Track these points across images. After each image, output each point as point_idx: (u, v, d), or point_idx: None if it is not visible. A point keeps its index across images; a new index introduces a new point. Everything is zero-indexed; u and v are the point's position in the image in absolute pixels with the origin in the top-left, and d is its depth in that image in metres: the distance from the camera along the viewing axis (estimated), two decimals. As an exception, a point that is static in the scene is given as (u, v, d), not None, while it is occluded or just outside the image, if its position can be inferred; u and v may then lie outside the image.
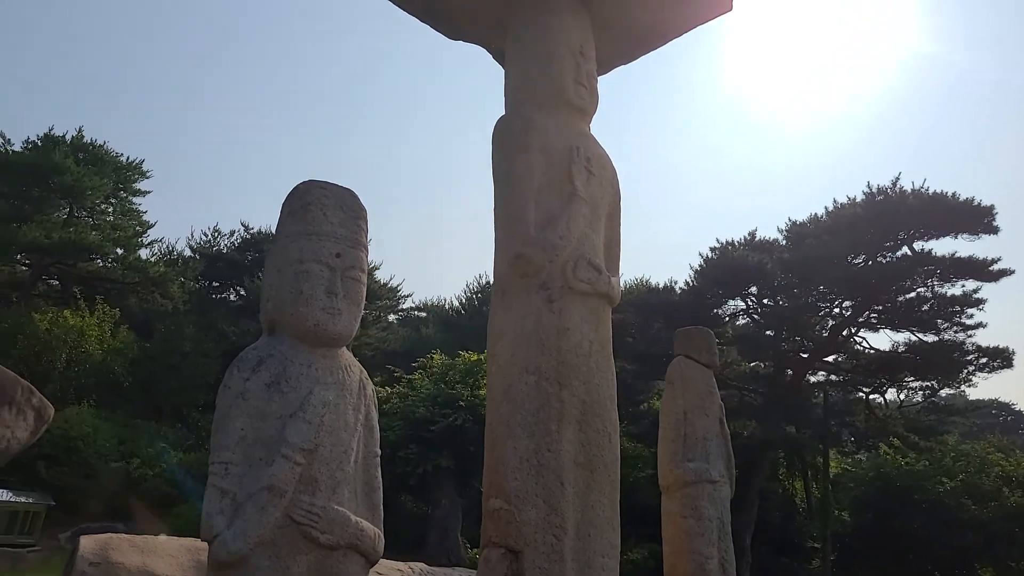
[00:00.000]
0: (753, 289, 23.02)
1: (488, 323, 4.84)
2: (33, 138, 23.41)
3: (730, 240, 23.93)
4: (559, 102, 5.09)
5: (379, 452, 3.80)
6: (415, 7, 5.89)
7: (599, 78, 6.76)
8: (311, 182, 3.84)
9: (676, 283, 23.36)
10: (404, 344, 28.89)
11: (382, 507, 3.73)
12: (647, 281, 24.62)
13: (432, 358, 19.74)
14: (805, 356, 22.42)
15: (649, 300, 22.85)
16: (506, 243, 4.72)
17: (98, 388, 17.21)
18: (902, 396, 25.44)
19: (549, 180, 4.80)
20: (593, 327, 4.73)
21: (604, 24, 5.89)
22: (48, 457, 14.22)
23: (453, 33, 6.16)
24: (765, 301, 23.12)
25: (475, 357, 19.31)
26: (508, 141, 4.89)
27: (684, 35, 6.21)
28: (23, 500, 12.86)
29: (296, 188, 3.83)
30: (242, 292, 29.25)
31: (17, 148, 23.24)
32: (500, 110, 5.33)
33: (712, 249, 23.26)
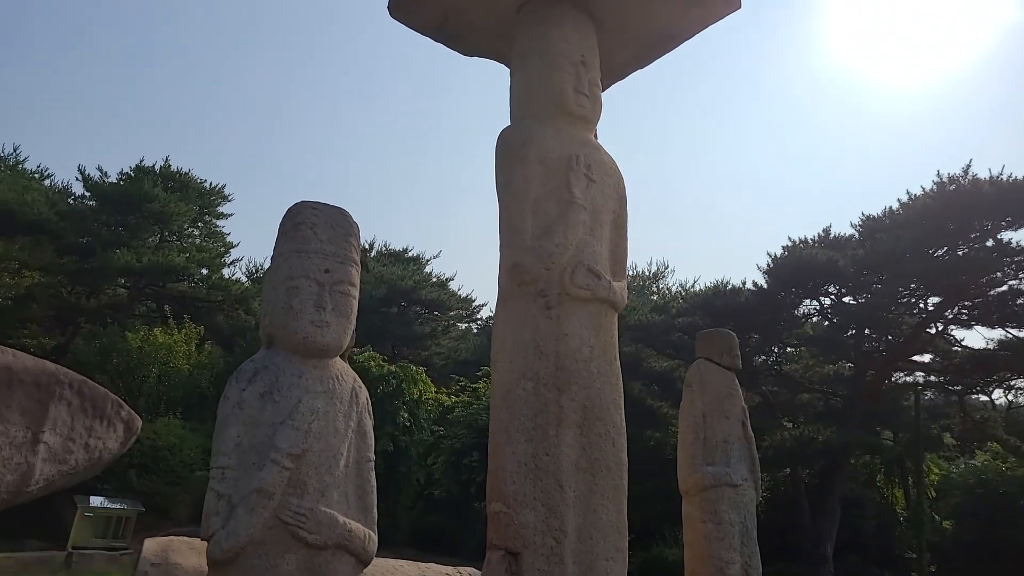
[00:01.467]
0: (829, 288, 22.14)
1: (492, 332, 4.97)
2: (127, 170, 25.26)
3: (803, 238, 23.14)
4: (559, 112, 5.18)
5: (373, 457, 3.97)
6: (428, 28, 6.11)
7: (616, 84, 6.87)
8: (303, 203, 4.08)
9: (746, 284, 22.69)
10: (476, 353, 29.34)
11: (375, 510, 3.89)
12: (725, 283, 24.04)
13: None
14: (887, 356, 21.36)
15: (715, 302, 22.29)
16: (504, 253, 4.85)
17: (185, 401, 18.37)
18: (1010, 397, 23.81)
19: (547, 189, 4.89)
20: (594, 332, 4.78)
21: (612, 31, 5.95)
22: (139, 466, 15.29)
23: (467, 50, 6.35)
24: (845, 300, 22.20)
25: None
26: (507, 153, 5.01)
27: (696, 36, 6.22)
28: (116, 506, 13.88)
29: (289, 209, 4.07)
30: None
31: (113, 179, 25.10)
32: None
33: (784, 248, 22.52)
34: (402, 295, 25.81)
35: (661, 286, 39.23)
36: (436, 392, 19.28)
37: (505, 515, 4.35)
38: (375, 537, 3.81)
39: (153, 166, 25.47)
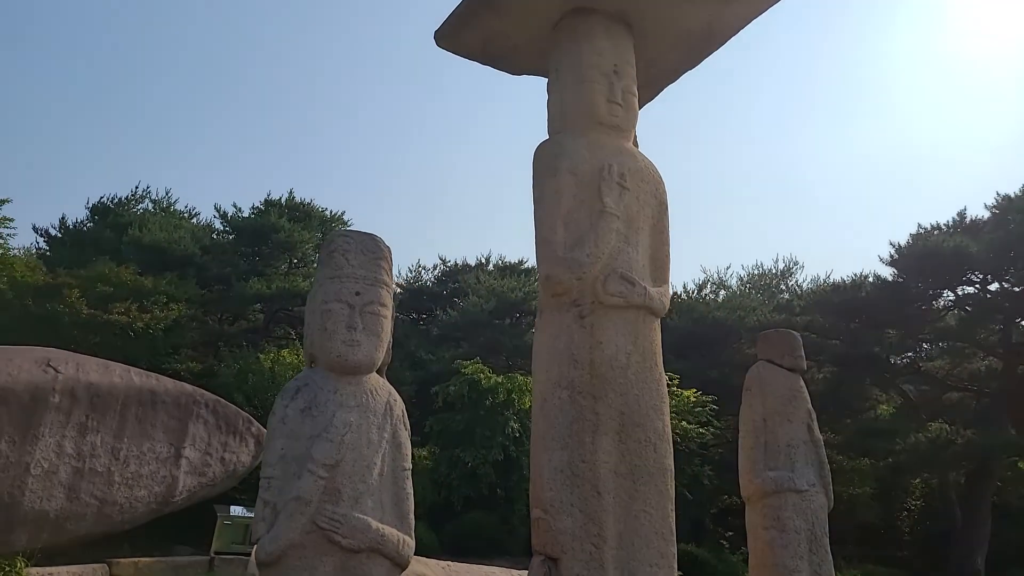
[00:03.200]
0: (970, 276, 20.32)
1: (533, 344, 5.11)
2: (257, 204, 27.47)
3: (935, 223, 21.42)
4: (592, 123, 5.26)
5: (408, 467, 4.22)
6: (473, 53, 6.36)
7: (668, 87, 6.82)
8: (337, 232, 4.42)
9: (867, 277, 21.25)
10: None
11: (412, 516, 4.13)
12: (841, 279, 22.69)
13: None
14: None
15: (832, 299, 21.04)
16: (539, 266, 4.98)
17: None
18: None
19: (580, 200, 4.98)
20: (631, 339, 4.80)
21: (652, 36, 5.95)
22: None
23: (513, 69, 6.54)
24: (990, 288, 20.28)
25: None
26: (540, 168, 5.15)
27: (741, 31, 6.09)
28: (252, 515, 14.92)
29: (325, 239, 4.43)
30: (442, 320, 31.39)
31: (246, 214, 27.37)
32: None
33: (911, 236, 20.95)
34: (513, 307, 26.26)
35: (791, 283, 37.15)
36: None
37: (544, 521, 4.46)
38: (411, 542, 4.04)
39: (280, 199, 27.60)
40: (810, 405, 5.62)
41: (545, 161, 5.13)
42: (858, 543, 21.49)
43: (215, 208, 28.23)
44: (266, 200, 27.52)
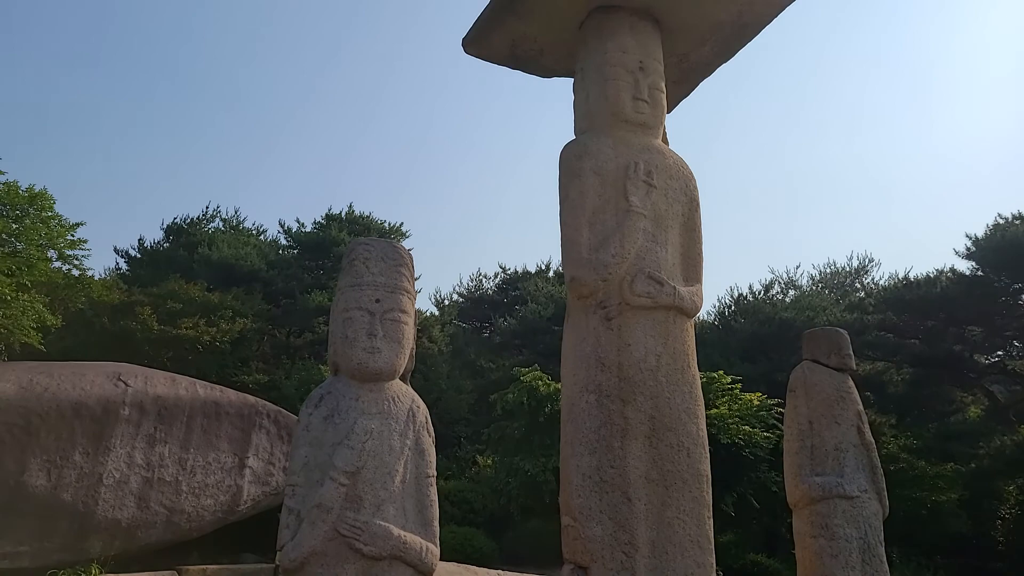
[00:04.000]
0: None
1: (561, 347, 5.02)
2: (319, 219, 28.21)
3: (1016, 213, 20.20)
4: (617, 121, 5.15)
5: (432, 473, 4.18)
6: (501, 57, 6.33)
7: (705, 80, 6.63)
8: (358, 240, 4.44)
9: (943, 272, 20.14)
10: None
11: (436, 523, 4.09)
12: (915, 275, 21.61)
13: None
14: None
15: (905, 296, 20.05)
16: (564, 268, 4.89)
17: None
18: None
19: (605, 200, 4.88)
20: (661, 340, 4.66)
21: (681, 31, 5.81)
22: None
23: (542, 72, 6.47)
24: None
25: (715, 374, 18.66)
26: (565, 169, 5.07)
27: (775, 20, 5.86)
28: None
29: (348, 247, 4.45)
30: (501, 327, 31.49)
31: (309, 229, 28.13)
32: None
33: (991, 227, 19.82)
34: (572, 313, 26.15)
35: (867, 281, 35.59)
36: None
37: (573, 528, 4.36)
38: (435, 549, 4.00)
39: (340, 213, 28.27)
40: (861, 407, 5.29)
41: (569, 162, 5.04)
42: (948, 554, 20.33)
43: (279, 224, 29.17)
44: (327, 215, 28.25)
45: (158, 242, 32.78)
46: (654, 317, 4.66)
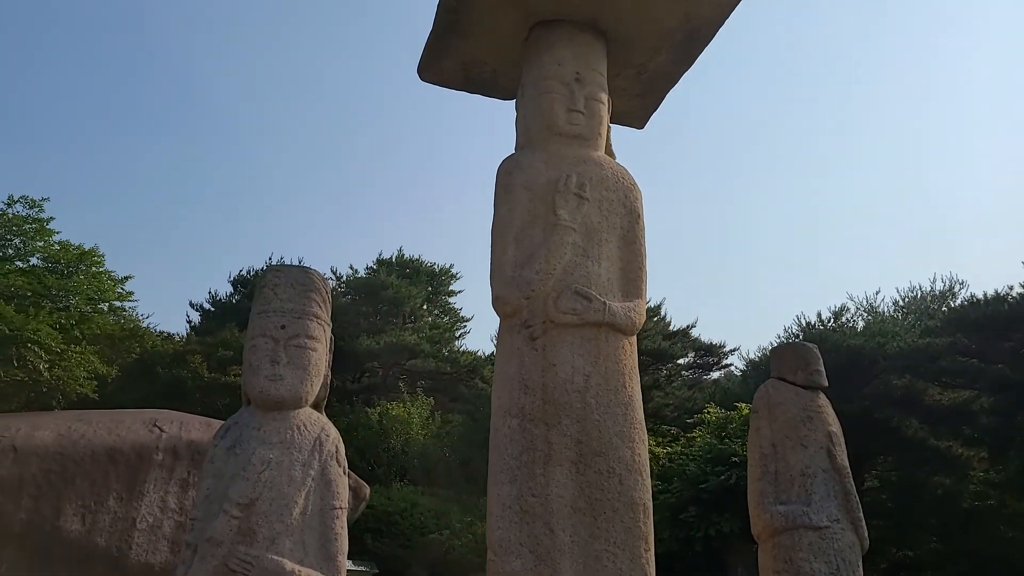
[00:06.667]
0: None
1: (495, 371, 4.80)
2: (371, 264, 28.85)
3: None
4: (551, 134, 4.99)
5: (339, 505, 4.00)
6: (456, 82, 6.28)
7: (672, 91, 6.37)
8: (270, 267, 4.40)
9: (1012, 290, 18.63)
10: (725, 398, 27.56)
11: (342, 557, 3.91)
12: (983, 294, 20.07)
13: (708, 412, 18.69)
14: None
15: (971, 315, 18.65)
16: (490, 287, 4.70)
17: (421, 468, 19.84)
18: None
19: (534, 215, 4.69)
20: (590, 360, 4.38)
21: (628, 40, 5.63)
22: (373, 530, 16.73)
23: (504, 95, 6.36)
24: None
25: (741, 405, 17.80)
26: (497, 184, 4.93)
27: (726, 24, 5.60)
28: (352, 567, 15.25)
29: (260, 274, 4.40)
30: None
31: (362, 274, 28.78)
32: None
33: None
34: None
35: (955, 304, 33.25)
36: (654, 444, 18.60)
37: (493, 563, 4.09)
38: (337, 584, 3.81)
39: (390, 257, 28.83)
40: (835, 428, 4.76)
41: (500, 179, 4.91)
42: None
43: (331, 270, 30.00)
44: (378, 259, 28.85)
45: (229, 295, 34.15)
46: (582, 335, 4.40)
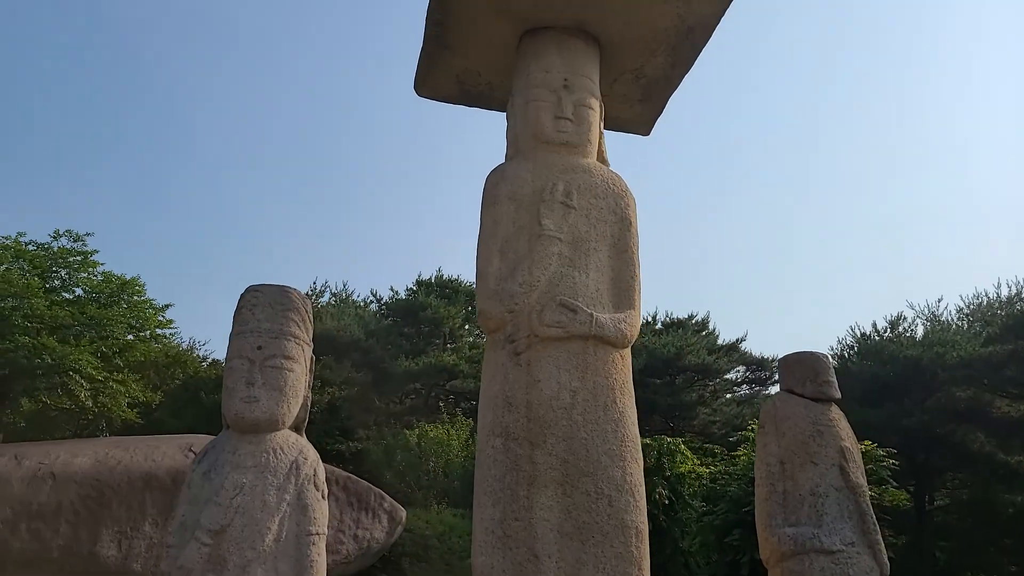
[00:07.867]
0: None
1: (483, 389, 4.63)
2: (411, 285, 29.03)
3: None
4: (539, 143, 4.85)
5: (316, 531, 3.87)
6: (452, 96, 6.21)
7: (674, 94, 6.17)
8: (250, 287, 4.32)
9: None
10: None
11: (317, 585, 3.78)
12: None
13: (752, 428, 18.00)
14: None
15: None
16: (476, 301, 4.56)
17: (461, 490, 19.68)
18: None
19: (519, 226, 4.55)
20: (577, 375, 4.19)
21: (621, 44, 5.48)
22: (410, 554, 16.58)
23: (496, 106, 6.26)
24: None
25: None
26: (483, 196, 4.81)
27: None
28: (391, 593, 15.13)
29: (241, 294, 4.34)
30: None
31: (402, 295, 28.97)
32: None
33: None
34: (665, 364, 24.96)
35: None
36: (699, 464, 18.04)
37: (476, 592, 3.90)
38: (311, 614, 3.67)
39: (429, 278, 28.97)
40: (848, 442, 4.40)
41: (486, 190, 4.78)
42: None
43: (371, 293, 30.29)
44: (417, 280, 29.00)
45: (278, 321, 34.70)
46: (568, 349, 4.21)
